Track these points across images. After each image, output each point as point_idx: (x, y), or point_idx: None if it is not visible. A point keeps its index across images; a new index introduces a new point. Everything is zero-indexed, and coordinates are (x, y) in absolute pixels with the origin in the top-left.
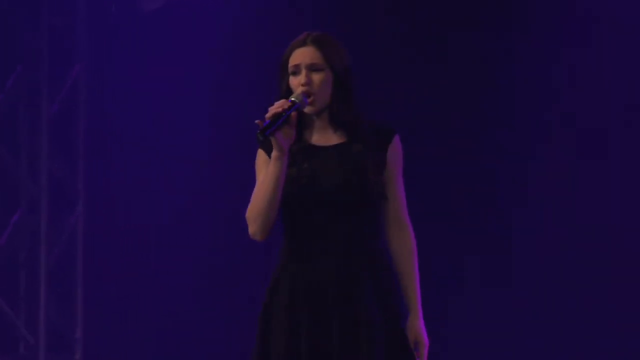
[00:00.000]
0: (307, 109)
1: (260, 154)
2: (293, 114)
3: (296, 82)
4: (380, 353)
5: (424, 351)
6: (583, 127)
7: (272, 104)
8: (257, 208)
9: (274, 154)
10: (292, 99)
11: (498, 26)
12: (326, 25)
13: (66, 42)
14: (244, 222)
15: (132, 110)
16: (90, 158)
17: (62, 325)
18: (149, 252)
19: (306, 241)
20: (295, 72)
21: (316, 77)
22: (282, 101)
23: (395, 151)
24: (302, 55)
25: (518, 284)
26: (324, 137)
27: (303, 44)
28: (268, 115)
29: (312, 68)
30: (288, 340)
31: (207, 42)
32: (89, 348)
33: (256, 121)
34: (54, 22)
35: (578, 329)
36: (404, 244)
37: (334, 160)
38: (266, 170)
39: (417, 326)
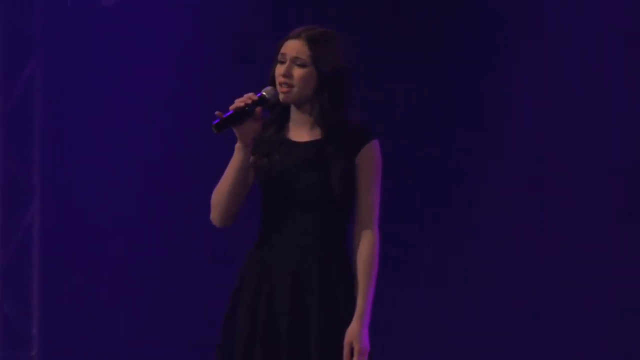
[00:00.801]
0: (281, 99)
1: None
2: (258, 108)
3: (279, 71)
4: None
5: (358, 357)
6: (583, 126)
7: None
8: (217, 195)
9: (236, 144)
10: (262, 92)
11: (495, 26)
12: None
13: (22, 36)
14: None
15: (89, 106)
16: (46, 154)
17: (18, 321)
18: (106, 249)
19: (271, 233)
20: (282, 62)
21: (298, 72)
22: (249, 94)
23: (367, 156)
24: (290, 47)
25: (518, 284)
26: (301, 132)
27: (297, 36)
28: (231, 107)
29: (295, 62)
30: (249, 330)
31: (167, 37)
32: (46, 344)
33: (216, 112)
34: (9, 15)
35: (578, 329)
36: (362, 250)
37: (303, 156)
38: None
39: (354, 330)
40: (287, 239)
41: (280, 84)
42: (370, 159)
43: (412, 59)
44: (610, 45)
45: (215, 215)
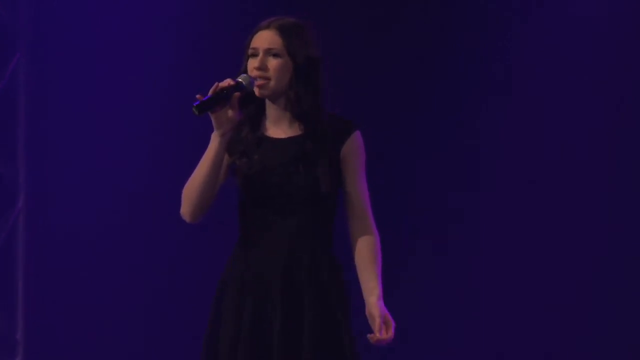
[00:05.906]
0: (257, 93)
1: None
2: (236, 94)
3: (252, 65)
4: (317, 350)
5: (392, 330)
6: (584, 126)
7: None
8: (189, 187)
9: (213, 133)
10: (238, 79)
11: (488, 24)
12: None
13: (6, 30)
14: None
15: (75, 102)
16: (31, 151)
17: (2, 327)
18: (93, 251)
19: (255, 234)
20: (254, 55)
21: (272, 63)
22: (226, 80)
23: (352, 147)
24: (261, 39)
25: (518, 284)
26: (279, 128)
27: (266, 27)
28: (211, 90)
29: (269, 53)
30: (233, 333)
31: (155, 30)
32: (31, 350)
33: (197, 95)
34: None
35: (578, 329)
36: (364, 239)
37: (285, 153)
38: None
39: (382, 306)
40: (274, 241)
41: (256, 78)
42: (356, 150)
43: (410, 56)
44: (609, 43)
45: (186, 208)
